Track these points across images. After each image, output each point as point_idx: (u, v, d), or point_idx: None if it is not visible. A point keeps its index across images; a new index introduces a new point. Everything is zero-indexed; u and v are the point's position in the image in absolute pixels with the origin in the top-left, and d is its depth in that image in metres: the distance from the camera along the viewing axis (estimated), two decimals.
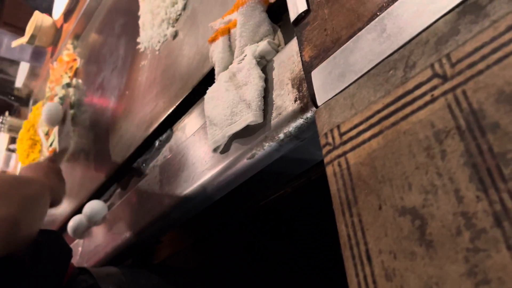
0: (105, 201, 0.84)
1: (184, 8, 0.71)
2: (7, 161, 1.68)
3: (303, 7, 0.41)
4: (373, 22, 0.34)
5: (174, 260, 0.84)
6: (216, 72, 0.55)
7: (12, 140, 1.72)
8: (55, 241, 0.55)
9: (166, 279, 0.65)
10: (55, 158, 0.70)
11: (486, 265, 0.22)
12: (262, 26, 0.50)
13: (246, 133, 0.48)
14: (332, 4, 0.38)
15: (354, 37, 0.35)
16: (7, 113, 1.78)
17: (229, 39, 0.54)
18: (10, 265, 0.46)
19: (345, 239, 0.30)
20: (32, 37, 1.53)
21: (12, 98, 1.81)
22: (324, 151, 0.34)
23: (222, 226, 0.76)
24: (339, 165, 0.32)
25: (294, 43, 0.45)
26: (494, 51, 0.25)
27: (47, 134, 1.25)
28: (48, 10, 1.80)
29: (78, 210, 0.86)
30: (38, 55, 1.77)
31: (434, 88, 0.27)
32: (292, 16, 0.42)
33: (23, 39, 1.56)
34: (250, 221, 0.79)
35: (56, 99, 1.19)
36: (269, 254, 0.87)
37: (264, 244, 0.87)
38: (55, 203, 0.62)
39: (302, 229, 0.83)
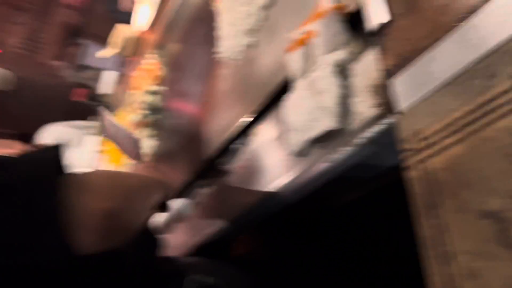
0: (188, 199, 0.90)
1: (261, 19, 0.76)
2: (95, 161, 1.86)
3: (383, 17, 0.43)
4: (453, 32, 0.35)
5: (250, 257, 0.89)
6: (294, 80, 0.58)
7: (100, 142, 1.89)
8: (146, 232, 0.62)
9: (245, 271, 0.70)
10: (140, 159, 0.76)
11: None
12: (340, 35, 0.52)
13: (324, 139, 0.50)
14: (412, 14, 0.40)
15: (434, 47, 0.36)
16: (95, 117, 1.97)
17: (307, 49, 0.57)
18: (113, 261, 0.49)
19: (427, 240, 0.32)
20: (118, 48, 1.68)
21: (99, 104, 1.99)
22: (405, 156, 0.36)
23: (296, 227, 0.80)
24: (420, 169, 0.34)
25: (372, 51, 0.47)
26: None
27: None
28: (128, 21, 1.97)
29: None
30: (122, 64, 1.94)
31: None
32: (373, 26, 0.44)
33: (109, 50, 1.71)
34: (324, 223, 0.82)
35: (142, 106, 1.30)
36: (341, 256, 0.88)
37: (336, 245, 0.89)
38: (167, 197, 0.62)
39: (376, 233, 0.84)
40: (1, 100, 3.66)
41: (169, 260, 0.67)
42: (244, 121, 0.73)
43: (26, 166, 0.39)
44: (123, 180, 0.51)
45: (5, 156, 0.40)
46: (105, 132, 0.92)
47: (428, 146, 0.33)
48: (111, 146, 1.52)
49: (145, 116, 1.23)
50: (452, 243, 0.30)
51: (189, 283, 0.59)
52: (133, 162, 0.75)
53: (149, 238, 0.63)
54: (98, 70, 2.12)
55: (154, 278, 0.60)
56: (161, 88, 1.28)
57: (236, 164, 0.76)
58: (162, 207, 0.64)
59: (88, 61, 2.19)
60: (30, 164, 0.40)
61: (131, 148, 0.84)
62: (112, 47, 1.71)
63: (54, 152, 0.43)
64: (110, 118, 0.91)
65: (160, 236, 0.68)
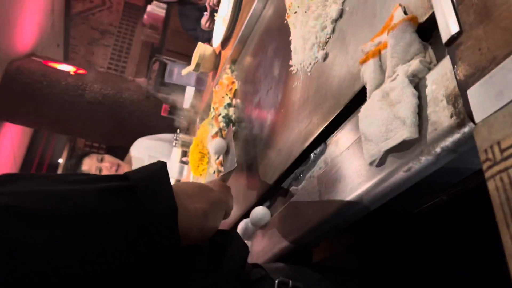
0: (268, 207, 0.95)
1: (333, 31, 0.78)
2: (180, 172, 1.99)
3: (455, 28, 0.43)
4: None
5: (330, 262, 0.90)
6: (368, 91, 0.60)
7: (184, 154, 2.02)
8: (237, 238, 0.67)
9: (327, 276, 0.72)
10: (224, 177, 0.82)
11: None
12: (413, 45, 0.53)
13: (401, 148, 0.51)
14: (486, 24, 0.40)
15: (511, 57, 0.36)
16: (178, 130, 2.11)
17: (380, 60, 0.59)
18: (198, 253, 0.57)
19: (511, 251, 0.32)
20: (197, 65, 1.80)
21: (182, 118, 2.13)
22: (485, 166, 0.36)
23: (375, 232, 0.80)
24: (501, 180, 0.34)
25: (446, 60, 0.47)
26: None
27: None
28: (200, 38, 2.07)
29: (245, 215, 0.99)
30: (201, 80, 2.06)
31: None
32: (444, 37, 0.45)
33: (191, 68, 1.83)
34: (404, 228, 0.81)
35: (220, 118, 1.38)
36: (421, 261, 0.87)
37: (417, 251, 0.87)
38: (226, 215, 0.70)
39: (457, 238, 0.81)
40: (92, 115, 4.04)
41: (257, 265, 0.71)
42: (321, 131, 0.76)
43: (144, 175, 0.47)
44: (207, 191, 0.59)
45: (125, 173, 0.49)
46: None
47: (507, 157, 0.33)
48: (193, 158, 1.62)
49: (223, 128, 1.30)
50: None
51: (280, 287, 0.63)
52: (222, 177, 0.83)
53: (239, 242, 0.68)
54: (181, 86, 2.27)
55: (246, 282, 0.65)
56: (237, 101, 1.34)
57: (314, 172, 0.78)
58: None
59: (172, 79, 2.36)
60: (145, 173, 0.48)
61: (227, 168, 0.97)
62: (193, 64, 1.83)
63: (163, 165, 0.50)
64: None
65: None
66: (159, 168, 0.49)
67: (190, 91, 2.17)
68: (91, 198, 0.41)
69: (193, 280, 0.53)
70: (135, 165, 2.32)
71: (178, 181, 2.05)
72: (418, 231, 0.85)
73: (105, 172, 2.23)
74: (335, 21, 0.78)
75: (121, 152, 2.71)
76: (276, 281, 0.62)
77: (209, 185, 0.73)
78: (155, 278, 0.44)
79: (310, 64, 0.84)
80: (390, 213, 0.69)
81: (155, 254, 0.42)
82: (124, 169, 2.28)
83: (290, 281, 0.63)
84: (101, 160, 2.27)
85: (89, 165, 2.22)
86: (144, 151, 2.33)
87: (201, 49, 1.79)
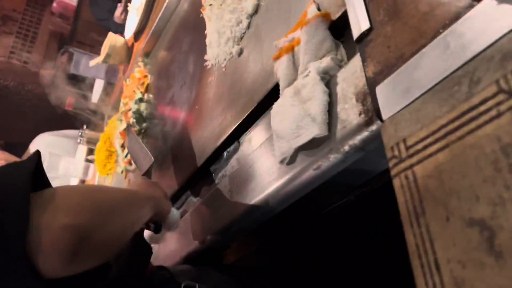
0: (178, 208, 0.90)
1: (248, 26, 0.76)
2: (86, 170, 1.84)
3: (365, 25, 0.43)
4: (436, 39, 0.35)
5: (241, 263, 0.88)
6: (281, 87, 0.58)
7: (90, 152, 1.87)
8: (138, 240, 0.61)
9: (235, 277, 0.69)
10: (146, 174, 0.76)
11: None
12: (325, 42, 0.52)
13: (311, 146, 0.50)
14: (395, 22, 0.40)
15: (417, 54, 0.36)
16: (85, 126, 1.95)
17: (293, 56, 0.57)
18: (97, 275, 0.49)
19: (414, 249, 0.31)
20: (107, 57, 1.67)
21: (89, 113, 1.97)
22: (391, 164, 0.35)
23: (286, 232, 0.79)
24: (406, 177, 0.34)
25: (357, 58, 0.47)
26: None
27: (122, 146, 1.35)
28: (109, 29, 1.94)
29: None
30: (111, 73, 1.93)
31: (499, 103, 0.28)
32: (355, 34, 0.44)
33: (99, 59, 1.70)
34: (313, 227, 0.82)
35: (130, 113, 1.29)
36: (331, 260, 0.88)
37: (325, 249, 0.89)
38: (160, 214, 0.61)
39: (364, 236, 0.84)
40: None
41: (162, 268, 0.66)
42: (234, 128, 0.73)
43: None
44: (98, 196, 0.46)
45: None
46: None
47: (413, 154, 0.33)
48: (99, 157, 1.50)
49: (133, 124, 1.22)
50: (438, 252, 0.29)
51: None
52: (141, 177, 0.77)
53: (142, 247, 0.62)
54: (88, 80, 2.10)
55: (150, 285, 0.60)
56: (149, 96, 1.27)
57: (226, 171, 0.75)
58: (156, 228, 0.62)
59: (79, 70, 2.18)
60: None
61: (145, 165, 0.88)
62: (103, 56, 1.70)
63: (26, 169, 0.39)
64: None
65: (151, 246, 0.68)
66: (20, 177, 0.37)
67: (99, 84, 2.02)
68: None
69: (84, 284, 0.46)
70: None
71: (83, 181, 1.90)
72: (327, 231, 0.86)
73: None
74: (251, 16, 0.76)
75: (22, 149, 2.45)
76: (182, 285, 0.58)
77: (134, 185, 0.66)
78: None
79: (225, 59, 0.81)
80: (300, 213, 0.69)
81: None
82: None
83: (197, 285, 0.59)
84: None
85: None
86: (44, 148, 2.11)
87: (112, 40, 1.67)
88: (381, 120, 0.39)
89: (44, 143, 2.21)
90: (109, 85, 1.95)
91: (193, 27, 1.07)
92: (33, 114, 3.71)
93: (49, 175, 0.45)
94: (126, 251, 0.57)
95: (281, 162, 0.55)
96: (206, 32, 0.92)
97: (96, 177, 1.65)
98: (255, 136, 0.69)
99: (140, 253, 0.58)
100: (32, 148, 2.27)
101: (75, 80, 2.56)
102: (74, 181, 1.90)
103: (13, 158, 2.13)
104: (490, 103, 0.29)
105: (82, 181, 1.90)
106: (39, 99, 3.74)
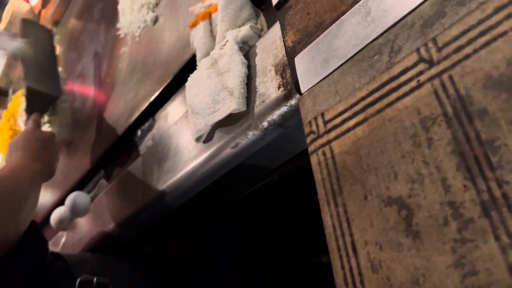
0: (88, 192, 0.82)
1: None
2: None
3: None
4: (357, 5, 0.32)
5: (158, 250, 0.83)
6: (197, 58, 0.53)
7: None
8: (32, 232, 0.54)
9: (139, 267, 0.64)
10: (39, 120, 0.66)
11: (474, 256, 0.21)
12: (244, 10, 0.48)
13: (229, 122, 0.46)
14: None
15: (337, 21, 0.33)
16: None
17: (210, 24, 0.53)
18: None
19: (330, 230, 0.29)
20: (9, 25, 1.48)
21: None
22: (308, 139, 0.33)
23: (206, 216, 0.75)
24: (324, 154, 0.31)
25: (277, 27, 0.43)
26: (481, 34, 0.24)
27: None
28: None
29: (60, 202, 0.84)
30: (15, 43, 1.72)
31: (420, 73, 0.26)
32: None
33: (0, 27, 1.50)
34: (235, 210, 0.79)
35: None
36: (254, 243, 0.87)
37: (248, 233, 0.87)
38: (49, 176, 0.59)
39: (288, 217, 0.83)
40: None
41: (59, 257, 0.59)
42: (148, 104, 0.67)
43: None
44: None
45: None
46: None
47: (331, 129, 0.31)
48: (2, 136, 1.34)
49: None
50: (355, 233, 0.27)
51: (82, 285, 0.53)
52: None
53: (34, 237, 0.55)
54: None
55: (44, 280, 0.53)
56: (59, 69, 1.14)
57: (140, 150, 0.69)
58: None
59: None
60: None
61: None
62: (4, 23, 1.50)
63: None
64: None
65: (54, 236, 0.60)
66: None
67: (1, 55, 1.79)
68: None
69: None
70: None
71: None
72: (249, 213, 0.84)
73: None
74: None
75: None
76: (78, 280, 0.52)
77: (17, 146, 0.57)
78: None
79: (138, 28, 0.74)
80: (219, 195, 0.65)
81: None
82: None
83: (95, 278, 0.54)
84: None
85: None
86: None
87: (15, 5, 1.48)
88: (300, 93, 0.36)
89: None
90: (13, 58, 1.74)
91: None
92: None
93: None
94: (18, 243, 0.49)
95: (197, 140, 0.51)
96: None
97: None
98: (172, 112, 0.64)
99: (31, 247, 0.50)
100: None
101: None
102: None
103: None
104: (410, 73, 0.27)
105: None
106: None
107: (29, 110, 0.68)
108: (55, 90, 0.71)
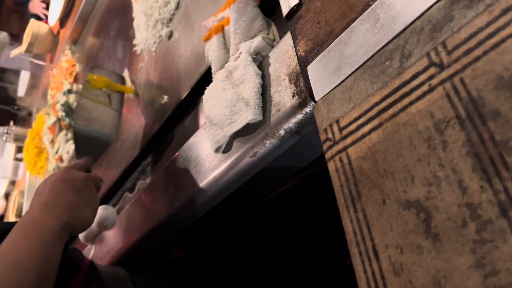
0: (114, 205, 0.84)
1: (177, 7, 0.71)
2: (15, 170, 1.70)
3: (294, 0, 0.40)
4: (365, 12, 0.33)
5: (188, 258, 0.85)
6: (212, 71, 0.54)
7: (19, 150, 1.73)
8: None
9: (159, 281, 0.65)
10: (87, 165, 0.61)
11: (494, 256, 0.22)
12: (255, 21, 0.49)
13: (246, 132, 0.47)
14: None
15: (347, 29, 0.34)
16: (11, 122, 1.79)
17: (224, 37, 0.54)
18: None
19: (351, 236, 0.30)
20: (30, 45, 1.53)
21: (16, 107, 1.81)
22: (325, 146, 0.33)
23: (230, 223, 0.76)
24: (341, 160, 0.32)
25: (289, 37, 0.44)
26: (490, 36, 0.24)
27: (52, 142, 1.25)
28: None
29: None
30: (37, 63, 1.78)
31: (431, 77, 0.27)
32: (285, 10, 0.42)
33: (21, 48, 1.56)
34: (257, 216, 0.80)
35: (58, 106, 1.19)
36: (277, 248, 0.87)
37: (271, 237, 0.87)
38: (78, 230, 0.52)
39: (308, 221, 0.83)
40: None
41: (94, 273, 0.61)
42: (167, 116, 0.68)
43: None
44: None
45: None
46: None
47: (346, 135, 0.31)
48: (28, 155, 1.39)
49: (62, 117, 1.13)
50: (375, 237, 0.28)
51: None
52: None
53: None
54: (14, 71, 1.93)
55: None
56: (78, 86, 1.18)
57: (162, 163, 0.71)
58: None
59: (2, 62, 2.00)
60: None
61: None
62: (25, 45, 1.56)
63: None
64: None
65: (82, 250, 0.62)
66: None
67: (24, 76, 1.85)
68: None
69: None
70: None
71: (13, 182, 1.75)
72: (273, 217, 0.84)
73: None
74: None
75: None
76: None
77: (66, 186, 0.52)
78: None
79: (154, 43, 0.76)
80: (242, 202, 0.66)
81: None
82: None
83: None
84: None
85: None
86: None
87: (35, 27, 1.54)
88: (315, 101, 0.37)
89: None
90: (36, 77, 1.80)
91: (121, 10, 1.00)
92: None
93: None
94: None
95: (217, 151, 0.52)
96: (133, 15, 0.86)
97: (27, 177, 1.53)
98: (190, 124, 0.65)
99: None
100: None
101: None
102: (3, 183, 1.75)
103: None
104: (421, 77, 0.27)
105: (12, 182, 1.76)
106: None
107: (79, 155, 0.62)
108: (109, 135, 0.63)
